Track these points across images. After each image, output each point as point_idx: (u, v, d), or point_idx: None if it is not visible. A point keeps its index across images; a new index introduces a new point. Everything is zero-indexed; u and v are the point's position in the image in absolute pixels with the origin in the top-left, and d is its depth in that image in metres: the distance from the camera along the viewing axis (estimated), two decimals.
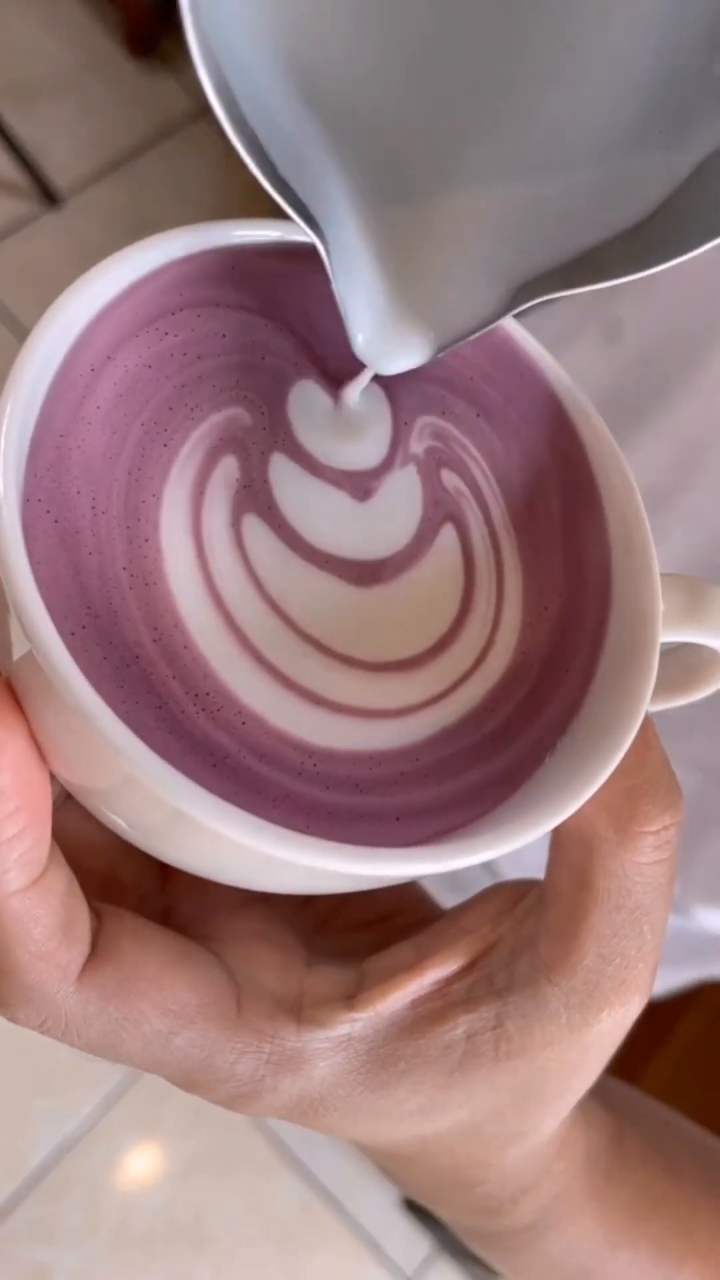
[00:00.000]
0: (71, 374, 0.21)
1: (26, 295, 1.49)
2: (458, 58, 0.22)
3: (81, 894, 0.22)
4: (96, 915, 0.23)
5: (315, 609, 0.21)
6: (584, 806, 0.22)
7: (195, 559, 0.21)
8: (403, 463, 0.24)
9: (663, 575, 0.23)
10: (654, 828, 0.23)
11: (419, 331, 0.22)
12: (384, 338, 0.22)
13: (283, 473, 0.22)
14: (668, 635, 0.23)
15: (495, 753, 0.22)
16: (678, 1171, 0.33)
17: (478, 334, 0.22)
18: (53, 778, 0.21)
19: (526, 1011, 0.24)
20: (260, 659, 0.20)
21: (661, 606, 0.23)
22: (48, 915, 0.21)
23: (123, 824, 0.21)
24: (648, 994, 0.25)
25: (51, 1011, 0.22)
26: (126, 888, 0.26)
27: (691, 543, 0.57)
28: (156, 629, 0.20)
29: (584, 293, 0.21)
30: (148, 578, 0.20)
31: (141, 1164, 1.27)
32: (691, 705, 0.28)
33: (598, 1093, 0.29)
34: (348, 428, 0.23)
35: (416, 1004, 0.24)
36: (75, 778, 0.21)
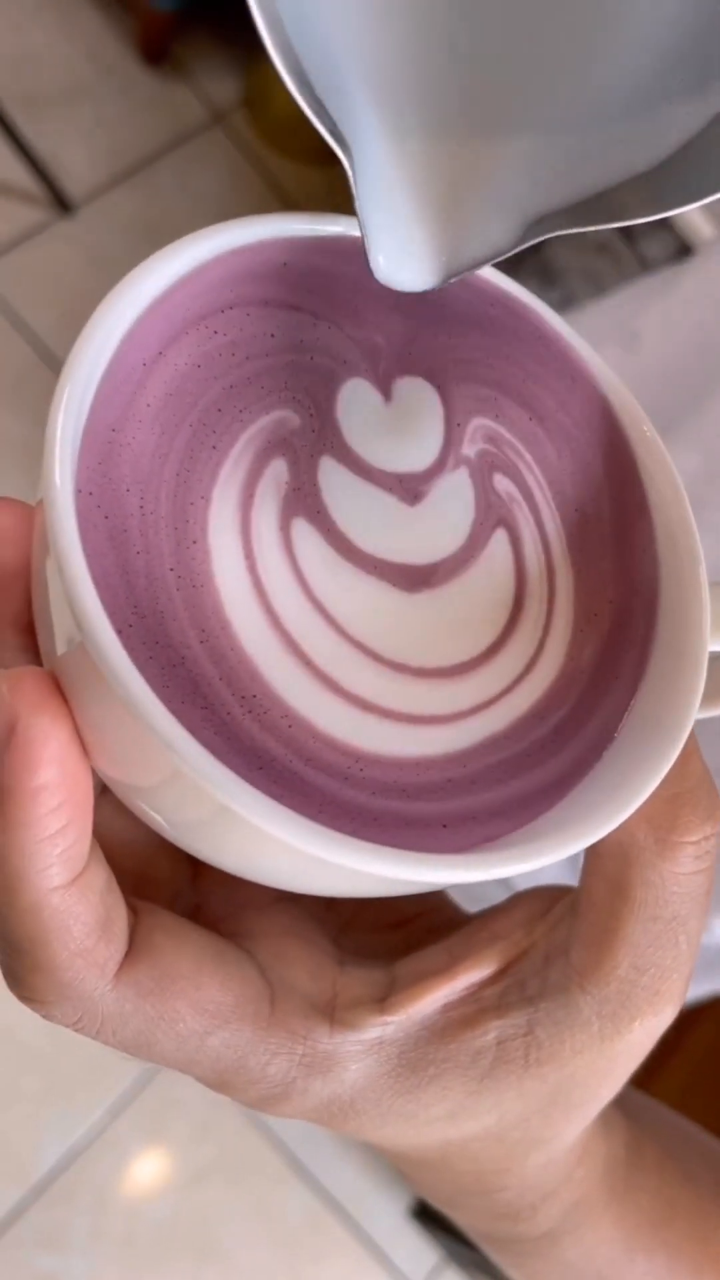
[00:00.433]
0: (124, 367, 0.21)
1: (40, 302, 1.50)
2: (498, 3, 0.22)
3: (119, 891, 0.22)
4: (133, 912, 0.23)
5: (363, 614, 0.21)
6: None
7: (243, 562, 0.20)
8: (454, 466, 0.23)
9: (711, 584, 0.23)
10: (694, 838, 0.22)
11: (434, 253, 0.22)
12: (402, 256, 0.22)
13: (332, 476, 0.22)
14: (714, 644, 0.23)
15: (544, 760, 0.22)
16: (693, 1178, 0.33)
17: (490, 262, 0.22)
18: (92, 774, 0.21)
19: (558, 1019, 0.24)
20: (307, 663, 0.20)
21: (710, 615, 0.23)
22: (87, 912, 0.21)
23: (162, 821, 0.21)
24: (680, 1004, 0.24)
25: (88, 1009, 0.21)
26: (158, 885, 0.26)
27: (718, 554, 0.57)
28: (203, 630, 0.20)
29: (598, 231, 0.21)
30: (195, 579, 0.20)
31: (149, 1171, 1.26)
32: None
33: (615, 1100, 0.29)
34: (398, 429, 0.23)
35: (448, 1008, 0.24)
36: (118, 773, 0.20)
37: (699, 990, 0.77)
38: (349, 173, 0.21)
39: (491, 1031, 0.24)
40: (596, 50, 0.22)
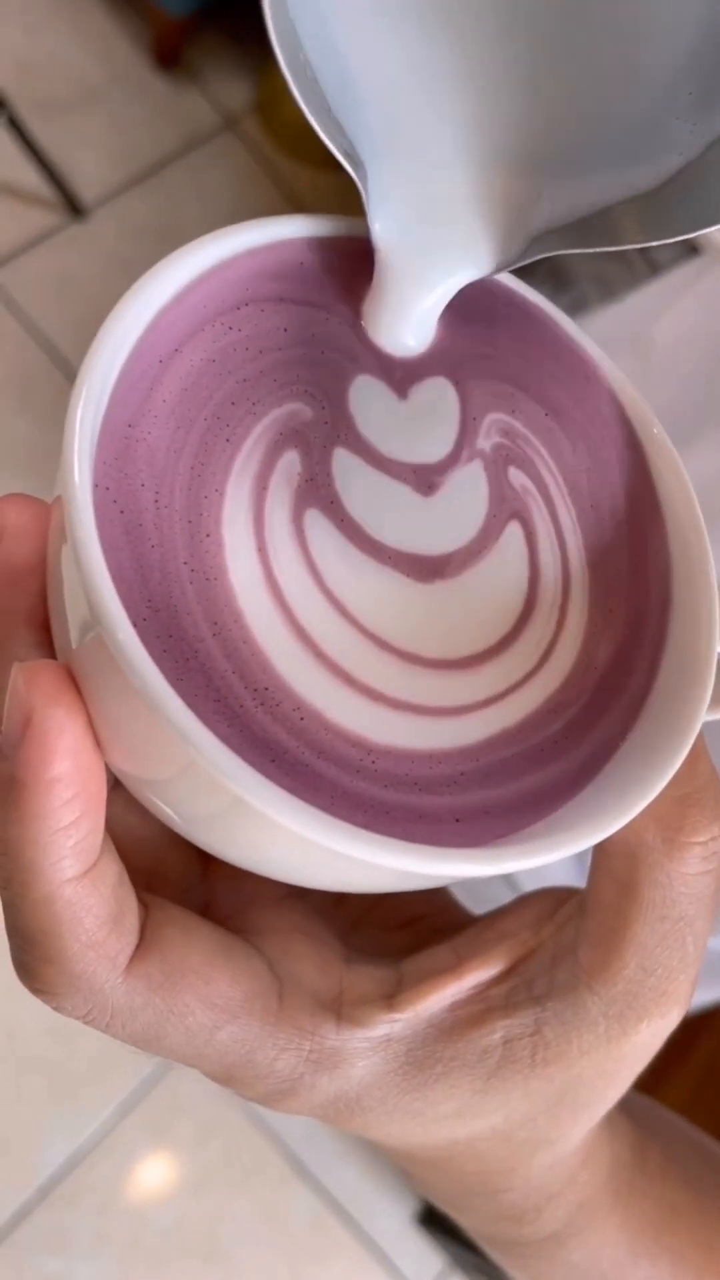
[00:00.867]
0: (140, 364, 0.21)
1: (52, 306, 1.50)
2: (511, 6, 0.22)
3: (131, 885, 0.22)
4: (143, 906, 0.23)
5: (377, 605, 0.21)
6: None
7: (256, 555, 0.21)
8: (469, 458, 0.23)
9: None
10: (702, 838, 0.22)
11: (434, 266, 0.23)
12: (410, 270, 0.23)
13: (345, 466, 0.22)
14: None
15: (557, 756, 0.22)
16: (697, 1184, 0.33)
17: (490, 275, 0.23)
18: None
19: (565, 1019, 0.24)
20: (320, 655, 0.20)
21: (719, 615, 0.23)
22: (99, 904, 0.21)
23: (174, 814, 0.21)
24: (687, 1005, 0.24)
25: (98, 1002, 0.22)
26: (168, 880, 0.26)
27: None
28: (216, 624, 0.20)
29: (593, 254, 0.22)
30: (208, 573, 0.20)
31: (154, 1175, 1.26)
32: None
33: (620, 1103, 0.29)
34: (413, 422, 0.23)
35: (455, 1007, 0.24)
36: (132, 767, 0.21)
37: (706, 997, 0.76)
38: (362, 191, 0.22)
39: (499, 1031, 0.24)
40: (600, 69, 0.22)
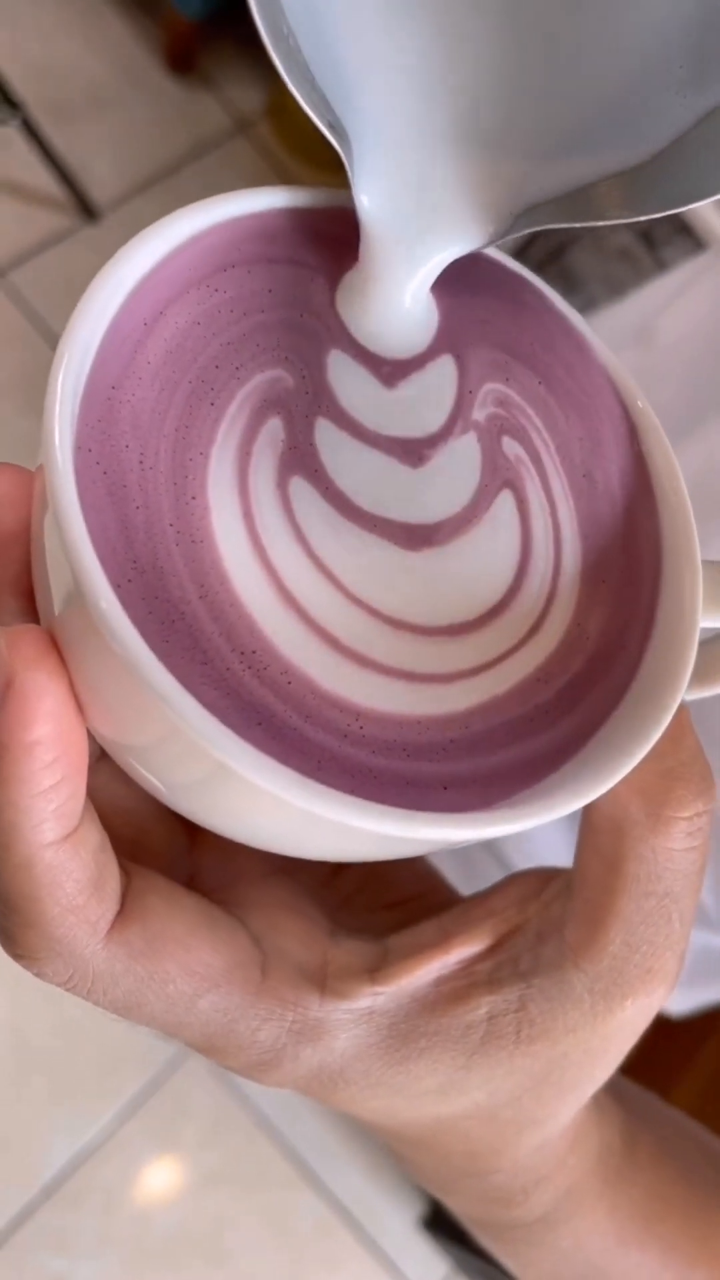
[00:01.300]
0: (125, 328, 0.21)
1: (64, 308, 1.50)
2: None
3: (113, 852, 0.22)
4: (126, 874, 0.23)
5: (365, 571, 0.21)
6: (617, 790, 0.22)
7: (242, 518, 0.20)
8: (462, 430, 0.23)
9: (705, 562, 0.23)
10: (687, 813, 0.22)
11: (421, 241, 0.23)
12: (392, 243, 0.23)
13: (328, 437, 0.22)
14: (706, 621, 0.23)
15: (547, 725, 0.21)
16: (690, 1174, 0.32)
17: (475, 249, 0.23)
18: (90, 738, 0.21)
19: (550, 995, 0.24)
20: (307, 619, 0.20)
21: (701, 591, 0.23)
22: (80, 869, 0.21)
23: (158, 782, 0.21)
24: (674, 984, 0.24)
25: (79, 967, 0.22)
26: (154, 852, 0.26)
27: None
28: (203, 586, 0.20)
29: (581, 228, 0.22)
30: (194, 535, 0.20)
31: (159, 1176, 1.26)
32: None
33: (612, 1090, 0.29)
34: (406, 397, 0.23)
35: (440, 982, 0.24)
36: (114, 733, 0.20)
37: (715, 995, 0.76)
38: (346, 164, 0.22)
39: (483, 1006, 0.24)
40: (591, 40, 0.22)
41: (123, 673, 0.18)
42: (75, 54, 1.66)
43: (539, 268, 1.45)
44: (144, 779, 0.22)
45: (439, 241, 0.23)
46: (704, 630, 0.23)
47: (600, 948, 0.23)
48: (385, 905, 0.28)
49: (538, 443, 0.24)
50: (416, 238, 0.23)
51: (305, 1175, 1.30)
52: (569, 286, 1.34)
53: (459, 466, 0.23)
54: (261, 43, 0.21)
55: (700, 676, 0.26)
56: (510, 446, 0.23)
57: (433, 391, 0.23)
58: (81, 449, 0.20)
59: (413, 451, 0.23)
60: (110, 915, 0.22)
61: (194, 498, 0.20)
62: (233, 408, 0.21)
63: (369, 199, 0.23)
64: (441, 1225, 1.27)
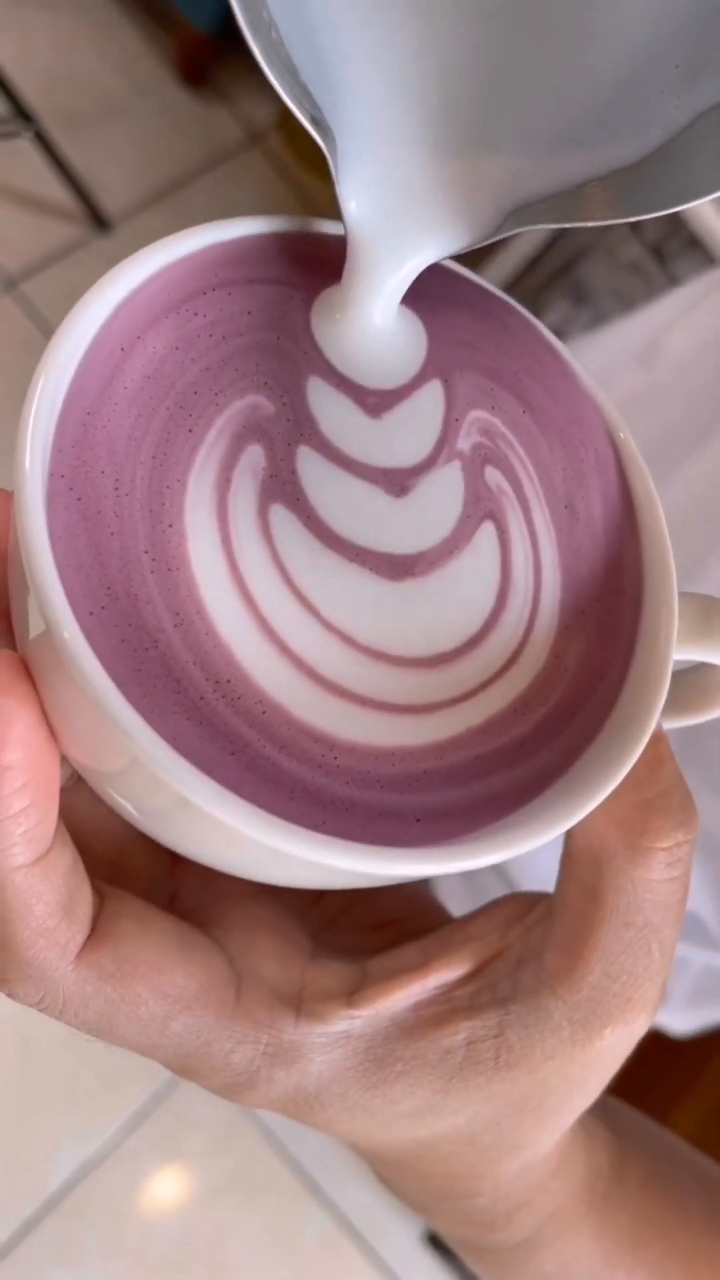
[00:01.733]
0: (102, 352, 0.21)
1: None
2: None
3: (85, 874, 0.22)
4: (100, 896, 0.23)
5: (343, 601, 0.21)
6: (596, 821, 0.22)
7: (220, 546, 0.20)
8: (447, 459, 0.23)
9: (681, 593, 0.23)
10: (666, 844, 0.22)
11: (405, 238, 0.23)
12: (376, 240, 0.22)
13: (310, 465, 0.22)
14: (679, 653, 0.23)
15: (524, 758, 0.21)
16: (681, 1200, 0.32)
17: (461, 250, 0.23)
18: (66, 761, 0.21)
19: (529, 1022, 0.24)
20: (284, 649, 0.20)
21: (676, 622, 0.23)
22: (50, 892, 0.21)
23: (130, 808, 0.21)
24: (654, 1013, 0.24)
25: (49, 989, 0.22)
26: (135, 873, 0.26)
27: None
28: (178, 614, 0.20)
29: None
30: (170, 562, 0.20)
31: (164, 1187, 1.26)
32: None
33: (602, 1114, 0.29)
34: (391, 426, 0.23)
35: (418, 1006, 0.24)
36: (85, 759, 0.21)
37: (718, 1016, 0.75)
38: (329, 159, 0.22)
39: (461, 1031, 0.24)
40: (584, 37, 0.22)
41: (86, 702, 0.18)
42: (88, 66, 1.67)
43: (549, 281, 1.45)
44: (117, 804, 0.22)
45: (425, 239, 0.23)
46: (683, 661, 0.23)
47: (579, 977, 0.23)
48: (373, 926, 0.28)
49: (520, 473, 0.24)
50: (401, 235, 0.23)
51: (310, 1188, 1.29)
52: (579, 300, 1.33)
53: (441, 497, 0.23)
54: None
55: (681, 706, 0.26)
56: (493, 476, 0.23)
57: (418, 419, 0.23)
58: (55, 474, 0.20)
59: (396, 481, 0.22)
60: (81, 938, 0.22)
61: (170, 525, 0.20)
62: (211, 434, 0.21)
63: (352, 194, 0.22)
64: (446, 1241, 1.26)
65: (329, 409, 0.22)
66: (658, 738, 0.23)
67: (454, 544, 0.22)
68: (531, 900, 0.26)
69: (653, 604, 0.23)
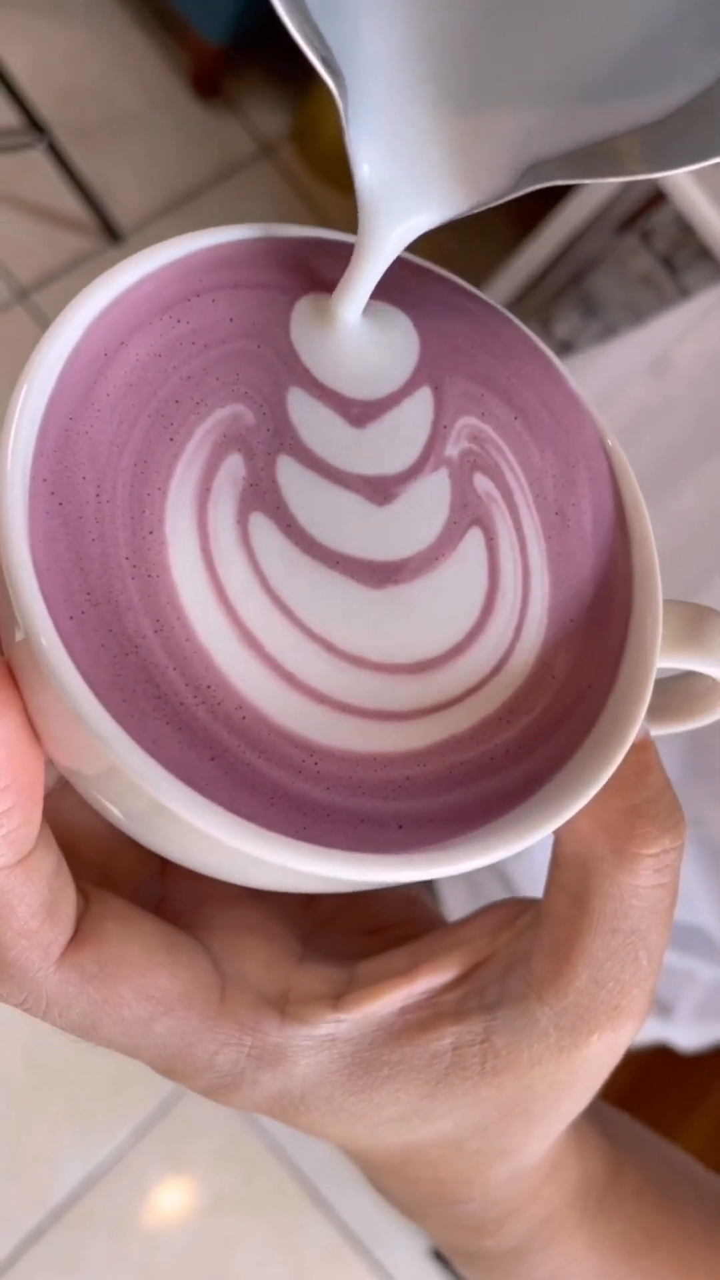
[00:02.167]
0: (85, 358, 0.21)
1: None
2: None
3: (69, 876, 0.22)
4: (85, 898, 0.23)
5: (324, 607, 0.21)
6: (583, 827, 0.22)
7: (200, 553, 0.20)
8: (434, 467, 0.23)
9: (667, 601, 0.23)
10: (653, 850, 0.22)
11: (423, 193, 0.22)
12: (387, 193, 0.22)
13: (291, 473, 0.22)
14: (667, 661, 0.23)
15: (508, 764, 0.21)
16: (678, 1208, 0.32)
17: (480, 207, 0.22)
18: (52, 764, 0.21)
19: (515, 1028, 0.24)
20: (263, 654, 0.20)
21: (661, 630, 0.23)
22: (32, 894, 0.21)
23: (115, 812, 0.21)
24: (642, 1020, 0.24)
25: (32, 990, 0.22)
26: (124, 875, 0.26)
27: None
28: (158, 620, 0.20)
29: (595, 184, 0.21)
30: (151, 569, 0.20)
31: (169, 1198, 1.26)
32: None
33: (597, 1121, 0.29)
34: (378, 435, 0.23)
35: (405, 1011, 0.24)
36: (67, 761, 0.21)
37: None
38: (339, 104, 0.21)
39: (448, 1037, 0.24)
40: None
41: (63, 708, 0.18)
42: (101, 78, 1.68)
43: (559, 292, 1.45)
44: (101, 806, 0.22)
45: (437, 194, 0.22)
46: (668, 669, 0.23)
47: (565, 983, 0.23)
48: (366, 931, 0.28)
49: (510, 479, 0.23)
50: (413, 185, 0.22)
51: (315, 1200, 1.29)
52: (589, 311, 1.34)
53: (427, 504, 0.23)
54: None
55: (669, 713, 0.26)
56: (481, 483, 0.23)
57: (407, 426, 0.23)
58: (36, 479, 0.20)
59: (380, 489, 0.22)
60: (64, 940, 0.22)
61: (151, 532, 0.20)
62: (192, 443, 0.21)
63: (361, 145, 0.22)
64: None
65: (309, 418, 0.22)
66: (645, 744, 0.22)
67: (439, 550, 0.22)
68: (522, 905, 0.25)
69: (641, 611, 0.23)
